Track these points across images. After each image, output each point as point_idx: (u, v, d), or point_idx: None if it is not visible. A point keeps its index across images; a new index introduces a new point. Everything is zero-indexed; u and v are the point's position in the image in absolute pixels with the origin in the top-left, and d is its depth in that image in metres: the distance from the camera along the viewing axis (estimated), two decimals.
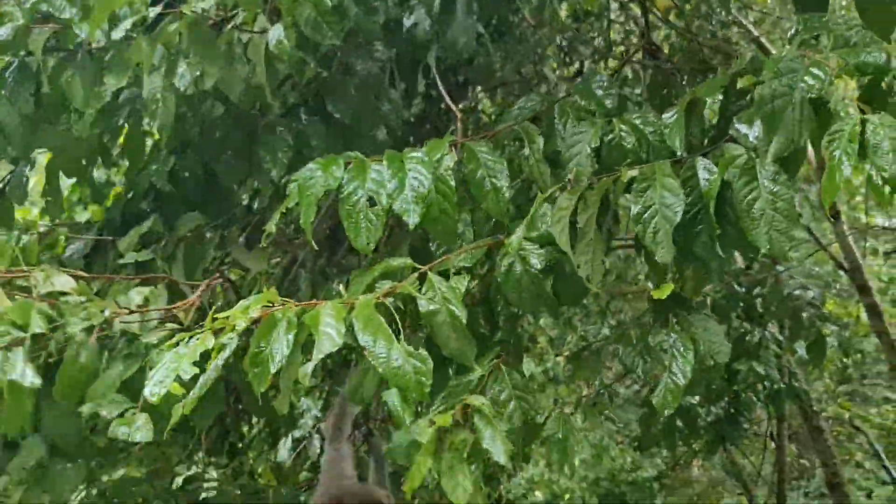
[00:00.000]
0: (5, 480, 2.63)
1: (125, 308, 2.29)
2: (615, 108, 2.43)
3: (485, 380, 2.14)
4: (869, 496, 13.12)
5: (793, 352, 5.43)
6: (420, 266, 2.18)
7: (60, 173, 3.39)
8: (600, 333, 5.47)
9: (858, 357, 11.61)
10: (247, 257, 3.17)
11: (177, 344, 1.83)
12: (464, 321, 2.05)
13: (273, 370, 1.79)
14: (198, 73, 2.71)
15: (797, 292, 5.27)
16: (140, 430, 2.00)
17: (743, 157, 1.98)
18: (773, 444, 7.80)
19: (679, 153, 2.08)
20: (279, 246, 4.02)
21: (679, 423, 5.23)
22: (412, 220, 2.11)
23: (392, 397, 1.91)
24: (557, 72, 5.19)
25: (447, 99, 3.14)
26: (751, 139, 1.96)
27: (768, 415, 7.43)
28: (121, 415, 2.06)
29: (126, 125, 3.19)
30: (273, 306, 1.93)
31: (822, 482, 15.58)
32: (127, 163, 3.43)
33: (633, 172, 2.04)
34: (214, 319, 1.88)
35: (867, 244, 8.46)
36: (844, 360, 11.12)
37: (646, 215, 1.97)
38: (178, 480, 4.32)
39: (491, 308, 2.40)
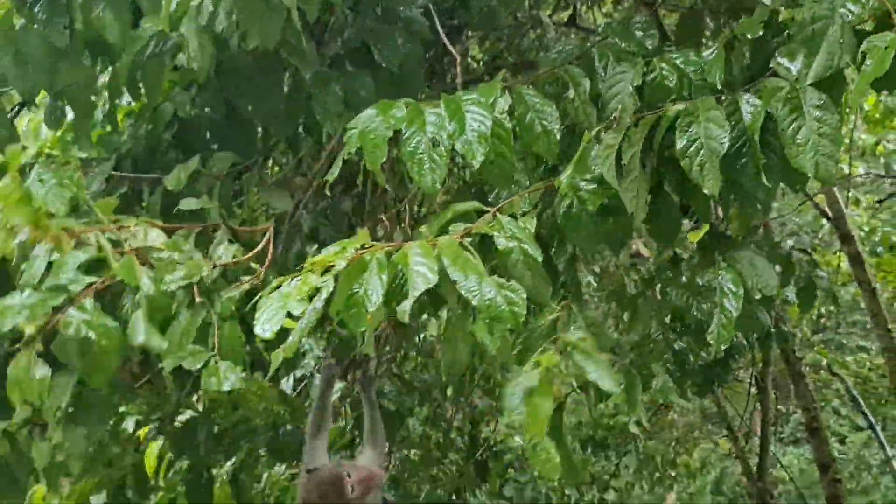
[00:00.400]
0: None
1: (214, 263, 2.32)
2: (654, 48, 2.48)
3: (557, 321, 2.19)
4: (842, 442, 13.50)
5: (783, 298, 5.58)
6: (487, 209, 2.21)
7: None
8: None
9: (833, 309, 11.91)
10: (274, 197, 3.21)
11: (278, 287, 1.87)
12: (538, 259, 2.09)
13: (370, 309, 1.82)
14: (233, 18, 2.71)
15: (790, 241, 5.42)
16: (229, 378, 2.07)
17: (786, 89, 2.03)
18: (754, 390, 8.03)
19: (720, 88, 2.15)
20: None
21: (671, 366, 5.39)
22: (477, 158, 2.10)
23: (482, 332, 1.91)
24: (553, 17, 5.21)
25: (447, 43, 3.12)
26: (793, 72, 2.03)
27: (753, 361, 7.63)
28: (204, 365, 2.13)
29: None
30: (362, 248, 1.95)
31: (795, 428, 15.97)
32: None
33: (678, 107, 2.11)
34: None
35: (850, 194, 8.63)
36: (821, 309, 11.38)
37: (691, 149, 2.03)
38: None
39: (548, 251, 2.41)
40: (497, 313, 1.87)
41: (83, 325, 2.05)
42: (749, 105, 2.08)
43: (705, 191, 2.00)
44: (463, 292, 1.87)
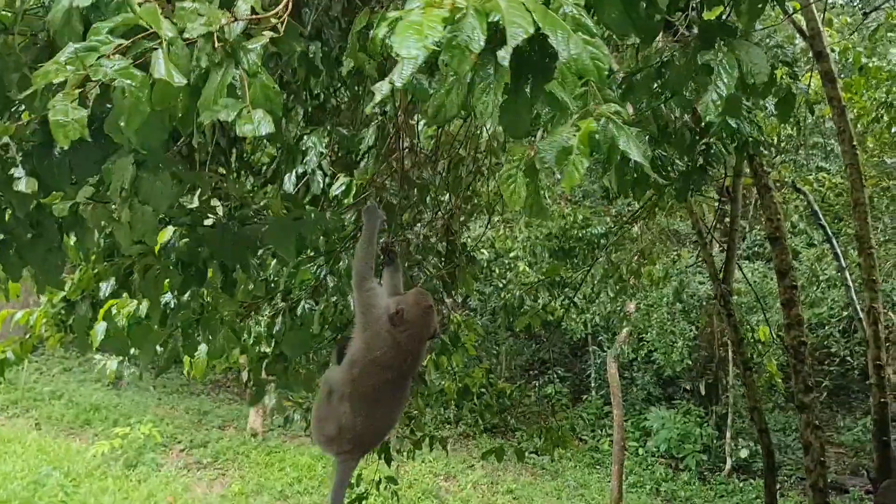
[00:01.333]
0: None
1: (235, 17, 2.41)
2: None
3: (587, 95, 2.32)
4: (796, 257, 14.14)
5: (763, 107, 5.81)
6: None
7: None
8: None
9: (793, 133, 12.22)
10: None
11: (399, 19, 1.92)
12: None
13: (475, 51, 1.87)
14: None
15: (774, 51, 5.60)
16: (262, 123, 2.23)
17: None
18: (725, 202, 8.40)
19: None
20: None
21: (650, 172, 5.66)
22: None
23: (557, 90, 1.98)
24: None
25: None
26: None
27: (724, 172, 7.95)
28: (237, 115, 2.27)
29: None
30: None
31: (754, 242, 16.64)
32: None
33: None
34: None
35: (825, 14, 8.73)
36: (785, 129, 11.68)
37: None
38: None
39: None
40: (583, 67, 1.92)
41: (114, 74, 2.15)
42: None
43: None
44: (554, 45, 1.92)
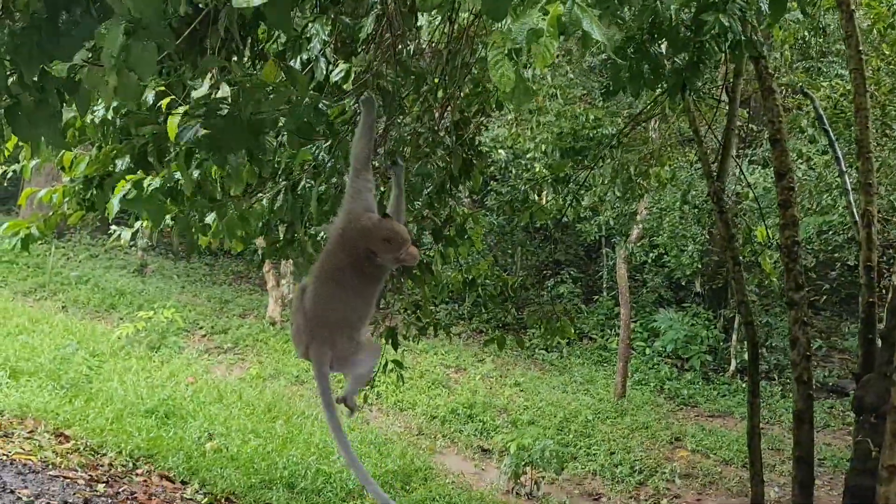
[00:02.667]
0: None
1: None
2: None
3: None
4: (808, 161, 14.22)
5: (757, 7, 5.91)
6: None
7: None
8: None
9: (814, 38, 12.19)
10: None
11: None
12: None
13: None
14: None
15: None
16: None
17: None
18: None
19: None
20: None
21: (645, 69, 5.84)
22: None
23: None
24: None
25: None
26: None
27: (725, 74, 8.08)
28: None
29: None
30: None
31: (765, 150, 16.67)
32: None
33: None
34: None
35: None
36: (805, 35, 11.67)
37: None
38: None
39: None
40: None
41: None
42: None
43: None
44: None
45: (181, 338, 15.70)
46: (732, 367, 17.94)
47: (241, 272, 21.40)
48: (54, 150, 4.71)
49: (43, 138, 3.61)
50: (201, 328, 16.72)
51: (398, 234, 3.53)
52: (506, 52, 2.50)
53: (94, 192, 5.57)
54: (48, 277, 17.54)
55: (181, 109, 4.56)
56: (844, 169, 9.11)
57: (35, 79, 3.25)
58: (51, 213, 6.55)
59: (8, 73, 3.23)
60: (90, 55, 3.22)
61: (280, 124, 4.48)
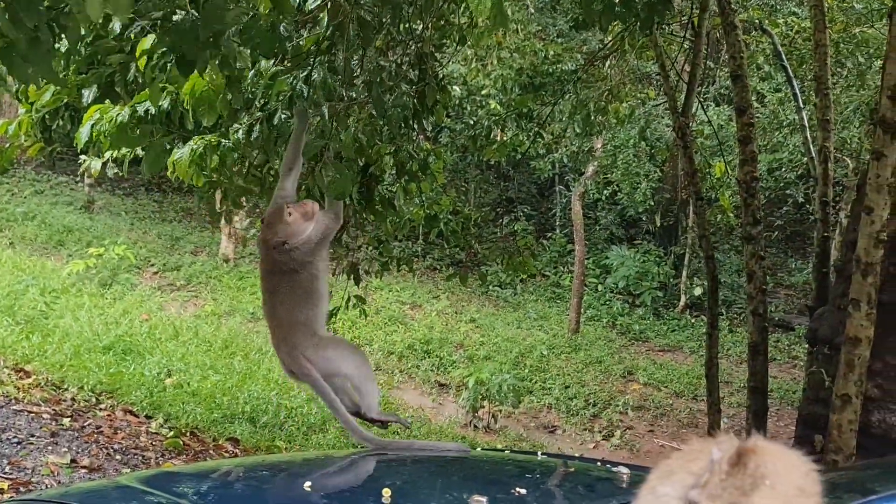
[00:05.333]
0: None
1: None
2: None
3: None
4: (761, 101, 14.43)
5: None
6: None
7: None
8: None
9: None
10: None
11: None
12: None
13: None
14: None
15: None
16: None
17: None
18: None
19: None
20: None
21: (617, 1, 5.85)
22: None
23: None
24: None
25: None
26: None
27: (691, 9, 8.11)
28: None
29: None
30: None
31: (720, 87, 16.88)
32: None
33: None
34: None
35: None
36: None
37: None
38: None
39: None
40: None
41: None
42: None
43: None
44: None
45: (133, 275, 15.51)
46: (682, 303, 18.30)
47: (190, 209, 21.12)
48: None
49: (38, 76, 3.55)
50: (153, 265, 16.52)
51: (271, 214, 3.88)
52: None
53: (60, 123, 5.45)
54: None
55: (150, 37, 4.47)
56: (802, 106, 9.26)
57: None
58: (7, 146, 6.40)
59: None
60: None
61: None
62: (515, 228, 20.24)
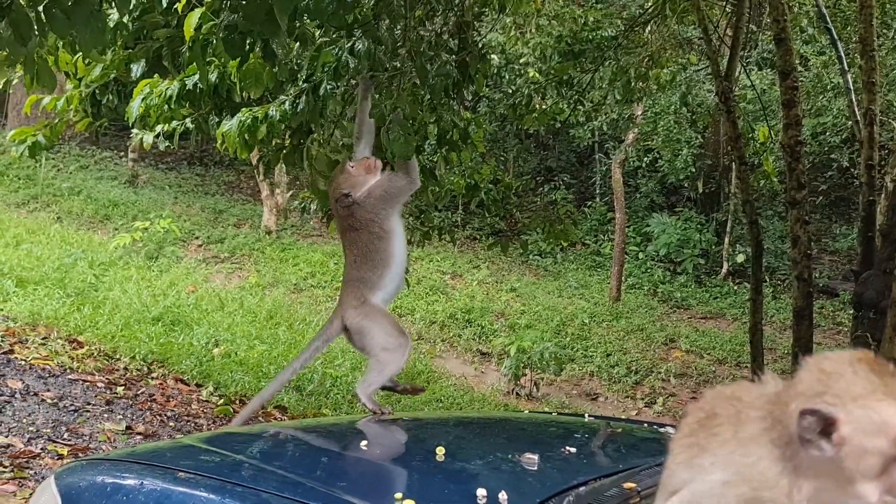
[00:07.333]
0: None
1: None
2: None
3: None
4: (805, 65, 14.21)
5: None
6: None
7: None
8: None
9: None
10: None
11: None
12: None
13: None
14: None
15: None
16: None
17: None
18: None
19: None
20: None
21: None
22: None
23: None
24: None
25: None
26: None
27: None
28: None
29: None
30: None
31: (762, 50, 16.65)
32: None
33: None
34: None
35: None
36: None
37: None
38: None
39: None
40: None
41: None
42: None
43: None
44: None
45: (178, 248, 15.75)
46: (724, 270, 18.19)
47: (232, 182, 21.35)
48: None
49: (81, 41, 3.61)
50: (197, 238, 16.75)
51: (336, 170, 4.19)
52: None
53: (110, 98, 5.56)
54: (40, 189, 17.45)
55: (198, 11, 4.53)
56: (847, 68, 9.13)
57: None
58: (56, 121, 6.52)
59: None
60: None
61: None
62: (555, 197, 20.19)
